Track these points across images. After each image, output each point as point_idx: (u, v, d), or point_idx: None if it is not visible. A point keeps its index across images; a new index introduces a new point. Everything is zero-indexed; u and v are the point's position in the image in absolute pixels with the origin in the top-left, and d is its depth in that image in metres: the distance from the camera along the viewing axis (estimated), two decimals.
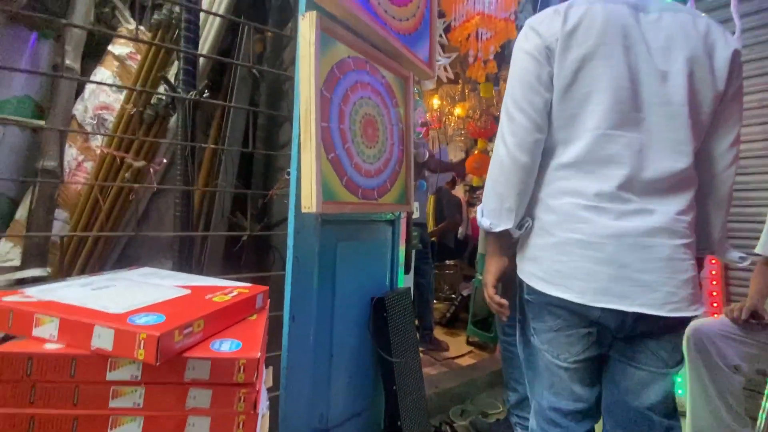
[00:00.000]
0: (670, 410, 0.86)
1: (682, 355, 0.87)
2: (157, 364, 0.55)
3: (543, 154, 0.89)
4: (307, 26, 0.98)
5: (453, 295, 3.66)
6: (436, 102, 3.58)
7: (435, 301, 3.39)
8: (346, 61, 1.12)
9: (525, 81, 0.86)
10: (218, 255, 1.29)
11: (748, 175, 2.05)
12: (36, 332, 0.59)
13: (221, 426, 0.61)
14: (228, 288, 0.82)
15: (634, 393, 0.86)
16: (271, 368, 0.92)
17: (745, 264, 0.97)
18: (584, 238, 0.81)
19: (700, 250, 0.89)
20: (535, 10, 2.23)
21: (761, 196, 1.98)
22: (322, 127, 1.01)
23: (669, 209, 0.80)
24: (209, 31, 1.40)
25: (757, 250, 1.64)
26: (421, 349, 2.35)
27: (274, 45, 1.36)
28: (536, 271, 0.88)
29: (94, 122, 1.35)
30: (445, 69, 1.82)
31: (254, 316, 0.80)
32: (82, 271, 1.25)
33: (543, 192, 0.89)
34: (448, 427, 1.64)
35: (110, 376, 0.57)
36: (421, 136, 1.66)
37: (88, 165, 1.33)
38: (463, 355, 2.57)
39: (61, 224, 1.26)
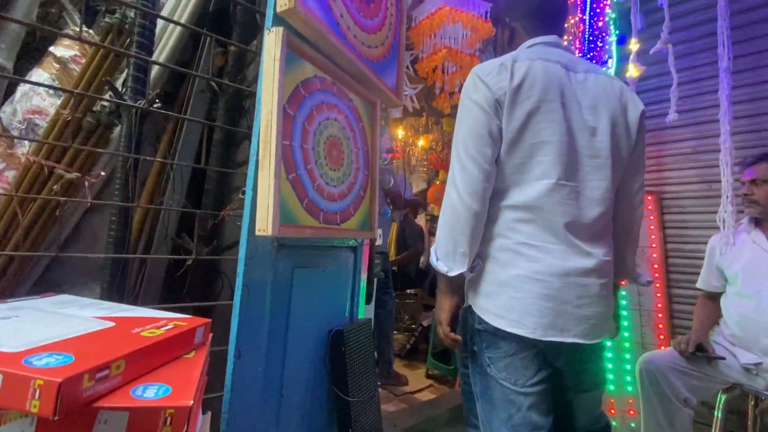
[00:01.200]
0: (603, 417, 1.04)
1: (605, 378, 1.01)
2: (55, 418, 0.44)
3: (493, 196, 0.95)
4: (272, 41, 0.94)
5: (413, 326, 3.59)
6: (400, 132, 3.65)
7: (395, 332, 3.30)
8: (312, 80, 1.08)
9: (476, 132, 0.93)
10: (158, 281, 1.16)
11: (686, 215, 2.22)
12: None
13: None
14: (162, 320, 0.71)
15: (584, 408, 0.99)
16: (209, 414, 0.80)
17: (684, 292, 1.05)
18: (535, 275, 0.89)
19: (617, 277, 1.03)
20: (494, 52, 2.36)
21: (699, 234, 2.13)
22: (284, 145, 0.95)
23: (599, 252, 0.92)
24: (168, 40, 1.32)
25: (698, 285, 1.74)
26: (379, 383, 2.24)
27: (236, 60, 1.30)
28: (491, 306, 0.93)
29: (23, 127, 1.21)
30: (412, 100, 1.84)
31: (192, 353, 0.70)
32: None
33: (495, 232, 0.95)
34: None
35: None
36: (386, 162, 1.64)
37: (10, 174, 1.17)
38: (422, 390, 2.48)
39: None
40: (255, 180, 0.93)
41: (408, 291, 3.96)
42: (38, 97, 1.24)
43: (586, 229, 0.91)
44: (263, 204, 0.90)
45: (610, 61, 2.18)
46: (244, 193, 1.01)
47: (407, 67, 1.80)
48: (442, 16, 1.45)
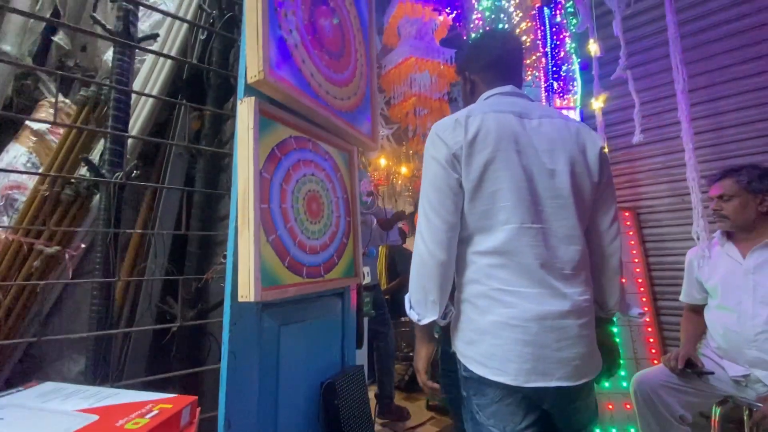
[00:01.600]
0: None
1: (595, 411, 1.01)
2: None
3: (463, 243, 0.99)
4: (245, 111, 0.97)
5: (411, 354, 3.55)
6: (383, 161, 3.71)
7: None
8: (287, 141, 1.12)
9: (437, 187, 0.97)
10: (144, 349, 1.15)
11: (663, 227, 2.29)
12: None
13: None
14: (147, 405, 0.71)
15: None
16: None
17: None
18: (511, 321, 0.90)
19: (605, 312, 1.06)
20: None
21: (677, 246, 2.19)
22: (262, 208, 0.97)
23: (574, 291, 0.92)
24: (143, 108, 1.35)
25: (681, 299, 1.78)
26: (380, 420, 2.19)
27: (212, 121, 1.33)
28: (474, 354, 0.94)
29: (2, 203, 1.21)
30: (389, 139, 1.89)
31: None
32: None
33: (471, 278, 0.97)
34: None
35: None
36: (368, 204, 1.67)
37: None
38: (424, 423, 2.43)
39: None
40: (235, 245, 0.95)
41: (403, 319, 3.93)
42: (14, 173, 1.24)
43: (559, 269, 0.93)
44: (244, 270, 0.92)
45: (575, 87, 2.28)
46: (225, 257, 1.03)
47: (381, 108, 1.86)
48: (409, 66, 1.53)
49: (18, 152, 1.28)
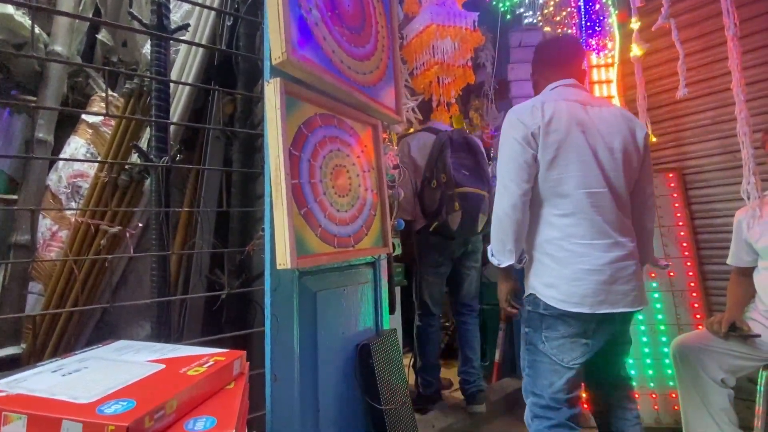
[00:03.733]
0: (626, 373, 1.34)
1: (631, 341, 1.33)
2: None
3: (541, 206, 1.24)
4: (272, 92, 1.03)
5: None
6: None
7: None
8: (313, 119, 1.17)
9: (515, 162, 1.22)
10: (198, 315, 1.28)
11: (710, 188, 2.15)
12: (5, 431, 0.58)
13: None
14: (204, 357, 0.81)
15: (613, 367, 1.32)
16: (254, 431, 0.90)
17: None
18: (591, 267, 1.16)
19: (641, 262, 1.28)
20: (494, 49, 2.38)
21: (726, 207, 2.06)
22: (293, 184, 1.04)
23: (627, 240, 1.21)
24: (181, 95, 1.45)
25: (728, 262, 1.70)
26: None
27: (244, 105, 1.41)
28: (555, 294, 1.20)
29: (69, 191, 1.36)
30: (414, 111, 1.89)
31: (232, 385, 0.80)
32: (59, 343, 1.22)
33: (550, 235, 1.22)
34: None
35: None
36: (394, 178, 1.70)
37: (63, 234, 1.32)
38: (458, 389, 2.52)
39: (35, 297, 1.24)
40: (271, 219, 1.03)
41: None
42: (78, 163, 1.39)
43: (617, 224, 1.19)
44: (280, 240, 1.00)
45: (611, 44, 2.14)
46: (263, 230, 1.12)
47: (406, 81, 1.85)
48: (430, 34, 1.50)
49: (78, 144, 1.42)
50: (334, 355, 1.23)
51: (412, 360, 2.40)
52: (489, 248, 1.29)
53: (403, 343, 2.30)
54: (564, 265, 1.18)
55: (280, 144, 1.01)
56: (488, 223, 2.02)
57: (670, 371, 1.97)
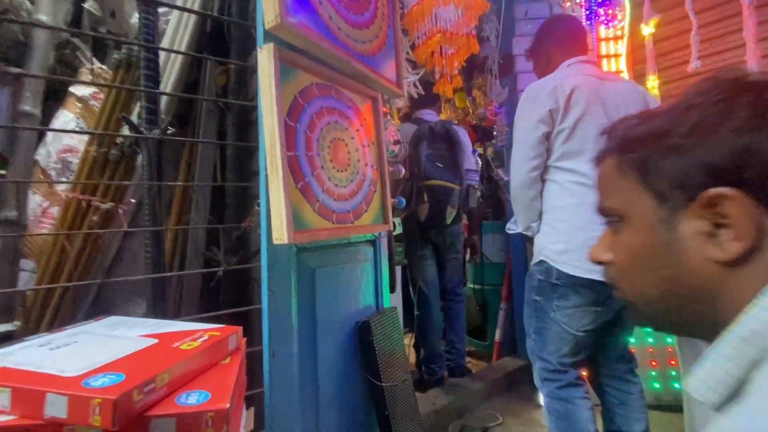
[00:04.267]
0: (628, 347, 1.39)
1: None
2: (115, 429, 0.52)
3: (561, 173, 1.28)
4: (265, 58, 0.97)
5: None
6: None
7: None
8: (309, 88, 1.12)
9: (524, 141, 1.30)
10: (195, 293, 1.26)
11: None
12: None
13: None
14: (198, 332, 0.79)
15: (619, 339, 1.34)
16: (252, 409, 0.89)
17: None
18: None
19: None
20: (499, 21, 2.28)
21: None
22: (289, 156, 1.00)
23: None
24: (173, 66, 1.39)
25: None
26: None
27: (238, 75, 1.35)
28: (568, 260, 1.22)
29: (59, 166, 1.32)
30: (415, 85, 1.83)
31: (227, 360, 0.77)
32: (53, 321, 1.20)
33: (567, 201, 1.26)
34: None
35: None
36: (395, 153, 1.66)
37: (54, 210, 1.29)
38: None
39: (28, 275, 1.22)
40: (267, 192, 0.99)
41: None
42: (68, 137, 1.34)
43: None
44: (276, 214, 0.96)
45: (621, 14, 2.05)
46: (259, 205, 1.08)
47: (407, 53, 1.78)
48: (432, 0, 1.43)
49: (67, 118, 1.37)
50: (334, 332, 1.21)
51: (414, 341, 2.41)
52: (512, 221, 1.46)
53: (404, 323, 2.30)
54: (579, 231, 1.20)
55: (275, 113, 0.96)
56: (458, 215, 2.11)
57: (669, 340, 1.96)
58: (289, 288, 1.07)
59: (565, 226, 1.25)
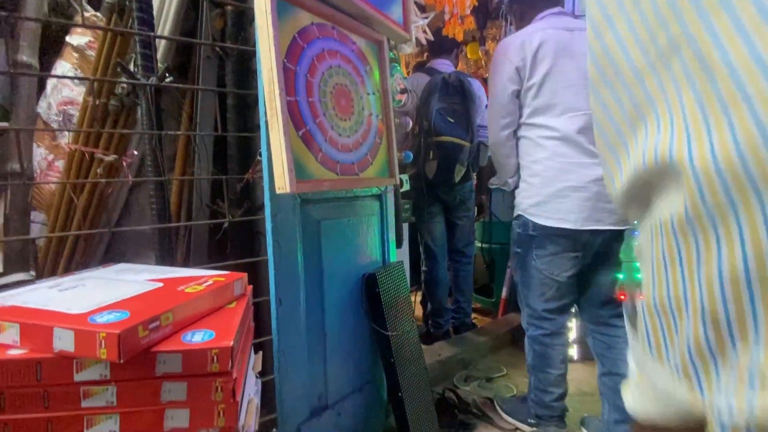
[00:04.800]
0: (614, 290, 1.39)
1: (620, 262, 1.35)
2: (121, 361, 0.53)
3: (532, 129, 1.32)
4: None
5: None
6: None
7: None
8: (309, 28, 1.05)
9: (496, 101, 1.36)
10: (202, 245, 1.27)
11: None
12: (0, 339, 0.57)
13: (201, 417, 0.60)
14: (203, 278, 0.79)
15: (602, 285, 1.36)
16: (260, 353, 0.91)
17: None
18: (576, 184, 1.24)
19: None
20: None
21: None
22: (289, 101, 0.96)
23: None
24: (168, 11, 1.32)
25: None
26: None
27: (235, 19, 1.28)
28: (541, 212, 1.29)
29: (60, 119, 1.30)
30: (424, 30, 1.72)
31: (233, 304, 0.78)
32: (66, 272, 1.24)
33: (538, 156, 1.30)
34: (452, 393, 1.66)
35: (78, 377, 0.56)
36: (402, 103, 1.59)
37: (60, 164, 1.29)
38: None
39: (39, 226, 1.24)
40: (268, 141, 0.96)
41: None
42: (67, 89, 1.32)
43: None
44: (278, 163, 0.94)
45: None
46: (260, 155, 1.05)
47: None
48: None
49: (65, 69, 1.34)
50: (340, 283, 1.22)
51: (420, 298, 2.45)
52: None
53: (411, 282, 2.33)
54: (550, 184, 1.26)
55: (273, 55, 0.91)
56: (467, 173, 2.04)
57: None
58: (294, 238, 1.06)
59: (537, 180, 1.29)
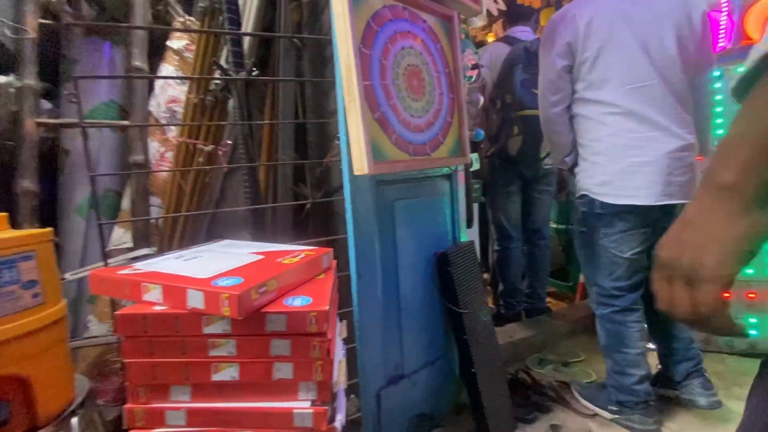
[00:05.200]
0: None
1: None
2: (240, 318, 0.63)
3: (590, 106, 1.27)
4: None
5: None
6: (491, 41, 3.30)
7: None
8: (382, 12, 1.07)
9: (546, 77, 1.33)
10: (287, 224, 1.39)
11: None
12: (145, 297, 0.70)
13: (302, 370, 0.69)
14: (296, 251, 0.88)
15: None
16: (345, 321, 0.99)
17: None
18: (647, 159, 1.19)
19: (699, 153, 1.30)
20: None
21: None
22: (365, 85, 1.00)
23: (684, 131, 1.21)
24: (250, 10, 1.43)
25: None
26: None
27: (311, 11, 1.35)
28: (610, 190, 1.25)
29: (167, 116, 1.49)
30: (495, 1, 1.65)
31: (322, 275, 0.86)
32: (179, 247, 1.44)
33: (601, 132, 1.26)
34: (525, 375, 1.64)
35: (206, 330, 0.67)
36: (473, 80, 1.55)
37: (169, 155, 1.48)
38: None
39: (156, 209, 1.45)
40: (346, 125, 1.02)
41: None
42: (171, 88, 1.50)
43: (673, 115, 1.20)
44: (356, 146, 0.99)
45: None
46: (338, 139, 1.12)
47: None
48: None
49: (168, 71, 1.52)
50: (413, 261, 1.26)
51: (490, 280, 2.41)
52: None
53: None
54: (617, 161, 1.22)
55: (350, 42, 0.95)
56: None
57: None
58: (371, 217, 1.12)
59: (602, 158, 1.25)
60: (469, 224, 1.58)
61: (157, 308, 0.68)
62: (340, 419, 0.74)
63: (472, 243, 1.47)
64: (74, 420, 0.89)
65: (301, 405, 0.69)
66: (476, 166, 1.85)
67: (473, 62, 1.48)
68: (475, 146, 1.73)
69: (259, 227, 1.23)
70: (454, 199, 1.46)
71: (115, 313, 0.66)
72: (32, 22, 1.36)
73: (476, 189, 2.08)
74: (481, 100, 1.69)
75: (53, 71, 1.51)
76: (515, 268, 2.10)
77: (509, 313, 2.13)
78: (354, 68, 0.95)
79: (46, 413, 0.84)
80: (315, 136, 1.38)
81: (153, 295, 0.70)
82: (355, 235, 1.07)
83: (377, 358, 1.15)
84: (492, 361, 1.37)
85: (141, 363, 0.68)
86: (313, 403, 0.69)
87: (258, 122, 1.31)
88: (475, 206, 2.04)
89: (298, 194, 1.39)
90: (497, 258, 2.13)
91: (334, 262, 0.95)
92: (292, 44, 1.37)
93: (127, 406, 0.68)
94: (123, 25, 1.31)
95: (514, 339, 1.88)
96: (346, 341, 0.99)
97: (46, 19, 1.39)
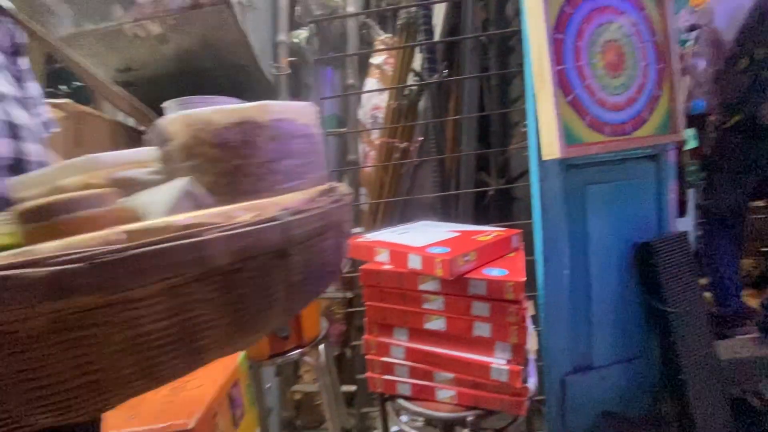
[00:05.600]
0: None
1: None
2: (450, 278, 0.77)
3: None
4: None
5: (763, 248, 2.67)
6: None
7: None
8: None
9: None
10: (469, 210, 1.51)
11: None
12: (376, 259, 0.93)
13: (499, 331, 0.79)
14: (488, 231, 0.98)
15: None
16: (533, 301, 1.05)
17: None
18: None
19: None
20: None
21: None
22: (558, 70, 1.01)
23: None
24: (438, 18, 1.59)
25: None
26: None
27: (496, 7, 1.41)
28: None
29: (371, 121, 1.82)
30: None
31: (512, 254, 0.94)
32: (380, 227, 1.73)
33: None
34: (756, 399, 1.31)
35: (421, 287, 0.84)
36: (689, 43, 1.31)
37: (373, 154, 1.80)
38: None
39: (363, 198, 1.79)
40: (535, 111, 1.05)
41: (755, 203, 2.94)
42: (375, 98, 1.81)
43: None
44: (546, 130, 1.02)
45: None
46: (525, 126, 1.16)
47: None
48: None
49: (372, 84, 1.84)
50: (607, 250, 1.19)
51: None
52: None
53: None
54: None
55: (543, 30, 0.98)
56: None
57: None
58: (558, 202, 1.12)
59: None
60: (681, 213, 1.35)
61: (386, 267, 0.90)
62: (532, 381, 0.81)
63: (684, 234, 1.27)
64: (321, 347, 1.24)
65: (498, 361, 0.79)
66: (692, 144, 1.56)
67: (690, 23, 1.25)
68: (692, 120, 1.45)
69: (445, 212, 1.39)
70: (662, 182, 1.28)
71: (360, 267, 0.90)
72: (284, 61, 1.87)
73: (692, 171, 1.73)
74: (702, 64, 1.40)
75: (293, 95, 2.05)
76: (723, 255, 1.63)
77: (722, 312, 1.68)
78: (546, 55, 0.97)
79: (307, 338, 1.19)
80: (497, 125, 1.44)
81: (382, 257, 0.92)
82: (543, 218, 1.09)
83: (562, 343, 1.15)
84: (708, 372, 1.17)
85: (375, 306, 0.90)
86: (509, 362, 0.79)
87: (447, 119, 1.47)
88: (691, 192, 1.71)
89: (481, 182, 1.49)
90: (701, 244, 1.69)
91: (522, 244, 1.00)
92: (477, 42, 1.46)
93: (366, 336, 0.92)
94: (348, 54, 1.65)
95: (740, 356, 1.51)
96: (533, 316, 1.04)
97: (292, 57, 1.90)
